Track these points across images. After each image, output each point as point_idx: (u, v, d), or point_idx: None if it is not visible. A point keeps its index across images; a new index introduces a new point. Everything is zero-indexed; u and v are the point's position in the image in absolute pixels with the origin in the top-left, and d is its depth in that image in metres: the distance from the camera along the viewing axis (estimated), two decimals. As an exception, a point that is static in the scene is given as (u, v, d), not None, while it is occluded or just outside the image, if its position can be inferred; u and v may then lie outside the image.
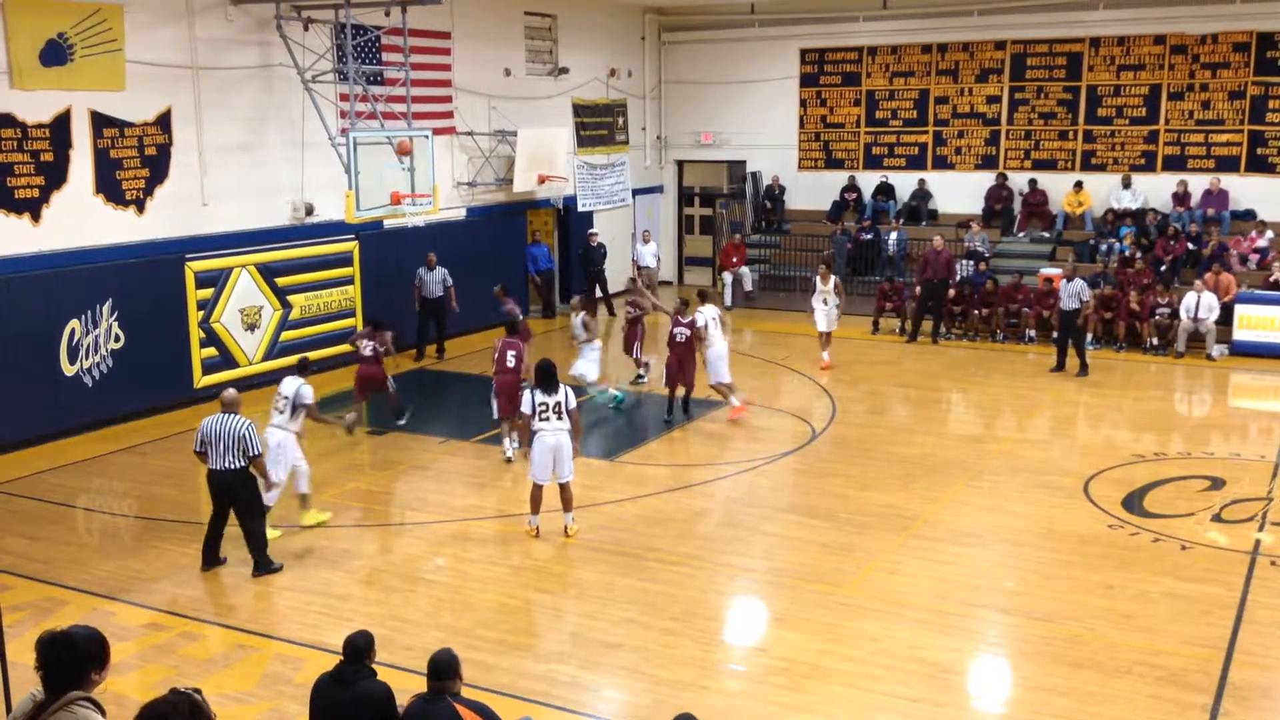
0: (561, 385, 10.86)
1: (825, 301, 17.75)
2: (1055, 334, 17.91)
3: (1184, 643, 8.67)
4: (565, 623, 9.13)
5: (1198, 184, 21.50)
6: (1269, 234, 20.19)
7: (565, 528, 10.93)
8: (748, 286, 23.57)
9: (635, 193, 25.02)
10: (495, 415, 13.71)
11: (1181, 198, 21.49)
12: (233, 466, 9.81)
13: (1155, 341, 18.84)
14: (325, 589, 9.78)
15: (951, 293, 20.10)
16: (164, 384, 15.21)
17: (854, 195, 24.29)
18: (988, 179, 23.27)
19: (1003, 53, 23.02)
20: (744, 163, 25.51)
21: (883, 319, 20.72)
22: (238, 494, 9.96)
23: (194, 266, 15.54)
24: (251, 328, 16.44)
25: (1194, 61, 21.53)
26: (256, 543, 10.04)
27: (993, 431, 14.81)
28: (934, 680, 8.16)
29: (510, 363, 13.42)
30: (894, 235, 22.94)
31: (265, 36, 16.31)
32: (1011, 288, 20.06)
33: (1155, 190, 21.84)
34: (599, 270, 22.53)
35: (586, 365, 15.57)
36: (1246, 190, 21.27)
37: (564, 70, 22.62)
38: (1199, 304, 18.41)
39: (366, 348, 14.38)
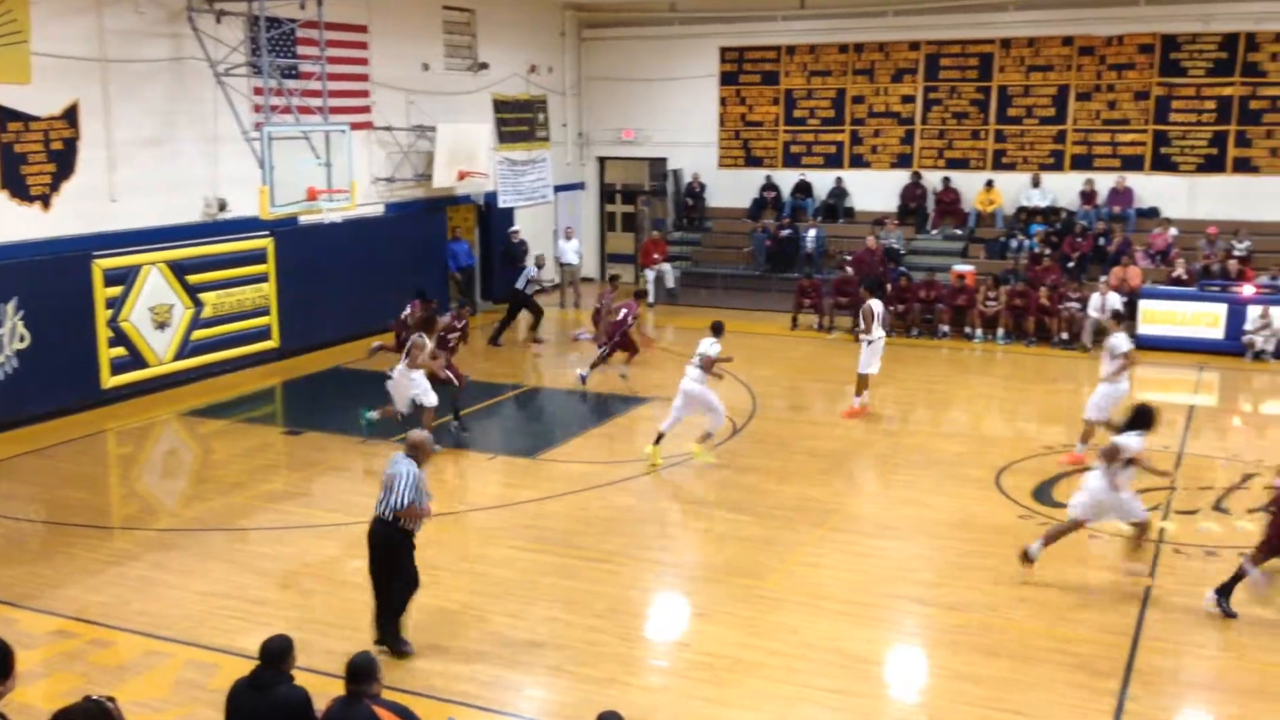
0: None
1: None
2: None
3: (1095, 630, 8.90)
4: (488, 622, 9.07)
5: (1104, 182, 22.08)
6: (1172, 231, 20.80)
7: (1028, 551, 9.83)
8: (670, 283, 23.65)
9: (557, 189, 24.94)
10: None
11: (1088, 196, 22.05)
12: (385, 517, 8.36)
13: (1065, 336, 19.36)
14: (240, 593, 9.60)
15: (889, 288, 20.30)
16: (71, 385, 14.80)
17: (773, 193, 24.50)
18: (902, 177, 23.63)
19: (917, 53, 23.39)
20: (665, 160, 25.59)
21: (801, 315, 20.95)
22: (389, 554, 8.40)
23: (102, 264, 15.14)
24: (162, 326, 16.06)
25: (1101, 63, 22.10)
26: (393, 613, 8.53)
27: (908, 425, 15.05)
28: (853, 670, 8.28)
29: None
30: (812, 233, 23.18)
31: (177, 28, 15.95)
32: (924, 284, 20.41)
33: (1063, 189, 22.38)
34: (522, 267, 22.38)
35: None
36: (1150, 188, 21.91)
37: (483, 65, 22.47)
38: (1105, 302, 18.94)
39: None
